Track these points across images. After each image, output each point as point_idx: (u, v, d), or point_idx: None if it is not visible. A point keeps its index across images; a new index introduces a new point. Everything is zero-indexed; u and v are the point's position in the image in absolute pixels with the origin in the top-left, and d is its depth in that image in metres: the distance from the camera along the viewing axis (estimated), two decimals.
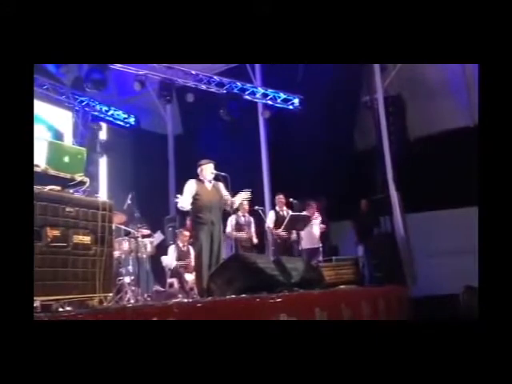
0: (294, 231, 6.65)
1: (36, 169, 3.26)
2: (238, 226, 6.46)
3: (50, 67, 8.12)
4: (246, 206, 6.60)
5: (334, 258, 7.00)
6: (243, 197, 5.10)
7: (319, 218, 7.10)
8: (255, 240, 6.67)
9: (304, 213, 6.86)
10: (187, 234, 6.43)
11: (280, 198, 6.84)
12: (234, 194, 5.07)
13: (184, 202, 4.83)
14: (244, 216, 6.62)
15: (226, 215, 5.46)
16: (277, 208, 6.85)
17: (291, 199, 6.79)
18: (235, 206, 5.23)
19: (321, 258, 7.00)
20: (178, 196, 4.90)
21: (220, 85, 8.35)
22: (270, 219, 6.76)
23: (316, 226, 6.99)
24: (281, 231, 6.52)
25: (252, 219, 6.72)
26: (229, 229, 6.13)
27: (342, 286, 5.75)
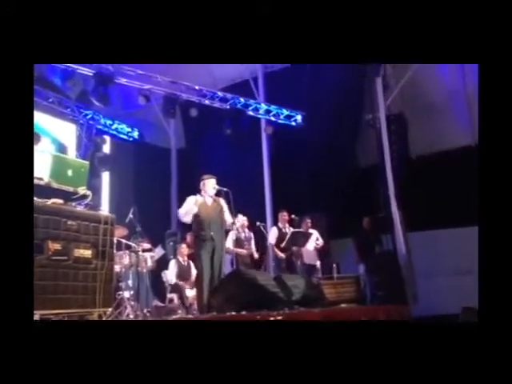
0: (295, 248, 6.64)
1: (39, 182, 3.28)
2: (239, 242, 6.45)
3: (56, 80, 8.20)
4: (246, 222, 6.59)
5: (335, 275, 6.96)
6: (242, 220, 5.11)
7: (315, 234, 7.08)
8: (256, 256, 6.65)
9: (302, 229, 6.86)
10: (188, 248, 6.43)
11: (283, 215, 6.83)
12: (235, 209, 5.07)
13: (183, 211, 4.86)
14: (244, 232, 6.61)
15: (227, 230, 5.46)
16: (279, 225, 6.84)
17: (293, 216, 6.79)
18: (235, 226, 5.23)
19: (319, 275, 6.97)
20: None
21: (223, 100, 8.42)
22: (272, 235, 6.75)
23: (311, 242, 6.96)
24: (282, 247, 6.51)
25: (252, 235, 6.71)
26: (229, 244, 6.12)
27: (342, 305, 5.70)
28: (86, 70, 7.02)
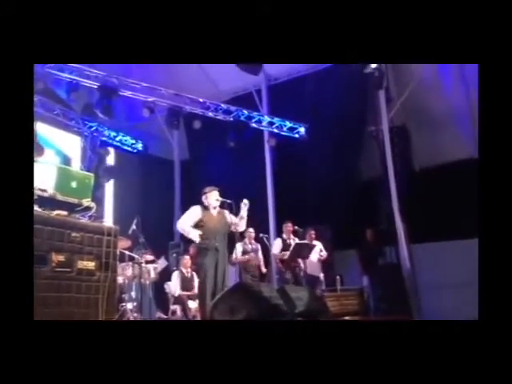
0: (299, 259, 6.62)
1: (43, 194, 3.29)
2: (245, 254, 6.45)
3: (61, 93, 8.27)
4: (252, 234, 6.59)
5: (338, 287, 6.93)
6: (245, 204, 5.00)
7: (319, 246, 7.07)
8: (263, 270, 6.66)
9: (305, 240, 6.86)
10: (191, 260, 6.42)
11: (288, 226, 6.83)
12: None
13: (183, 223, 4.84)
14: (251, 243, 6.61)
15: (231, 242, 5.44)
16: (284, 236, 6.84)
17: (297, 227, 6.79)
18: (244, 222, 5.11)
19: (323, 287, 6.94)
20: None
21: (227, 112, 8.46)
22: (276, 247, 6.75)
23: (315, 254, 6.95)
24: (286, 258, 6.49)
25: (259, 246, 6.71)
26: (235, 256, 6.11)
27: (346, 317, 5.67)
28: (90, 83, 7.08)
